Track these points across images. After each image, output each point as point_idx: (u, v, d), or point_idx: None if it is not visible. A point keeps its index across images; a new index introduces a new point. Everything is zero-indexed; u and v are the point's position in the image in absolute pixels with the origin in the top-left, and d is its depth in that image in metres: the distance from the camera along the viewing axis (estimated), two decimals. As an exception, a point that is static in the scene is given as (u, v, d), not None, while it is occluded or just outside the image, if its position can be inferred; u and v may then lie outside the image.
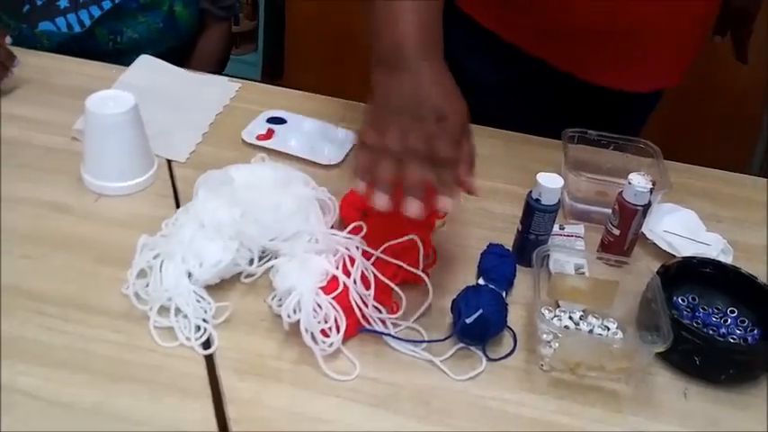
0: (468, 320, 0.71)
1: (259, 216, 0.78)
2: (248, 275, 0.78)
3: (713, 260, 0.83)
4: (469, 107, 0.75)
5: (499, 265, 0.80)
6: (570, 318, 0.78)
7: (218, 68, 1.44)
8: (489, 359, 0.73)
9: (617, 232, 0.86)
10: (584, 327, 0.77)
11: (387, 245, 0.77)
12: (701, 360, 0.73)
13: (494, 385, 0.71)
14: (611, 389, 0.73)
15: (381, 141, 0.68)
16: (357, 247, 0.76)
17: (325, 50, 2.40)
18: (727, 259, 0.90)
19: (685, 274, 0.82)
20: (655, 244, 0.90)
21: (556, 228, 0.90)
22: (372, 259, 0.75)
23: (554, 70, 1.06)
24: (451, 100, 0.72)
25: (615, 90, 1.07)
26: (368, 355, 0.72)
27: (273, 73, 2.59)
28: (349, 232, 0.78)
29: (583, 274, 0.83)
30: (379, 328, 0.74)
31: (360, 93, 1.20)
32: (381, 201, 0.68)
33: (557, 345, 0.73)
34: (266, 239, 0.78)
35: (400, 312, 0.75)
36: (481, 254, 0.83)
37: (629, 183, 0.83)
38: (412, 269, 0.77)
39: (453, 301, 0.75)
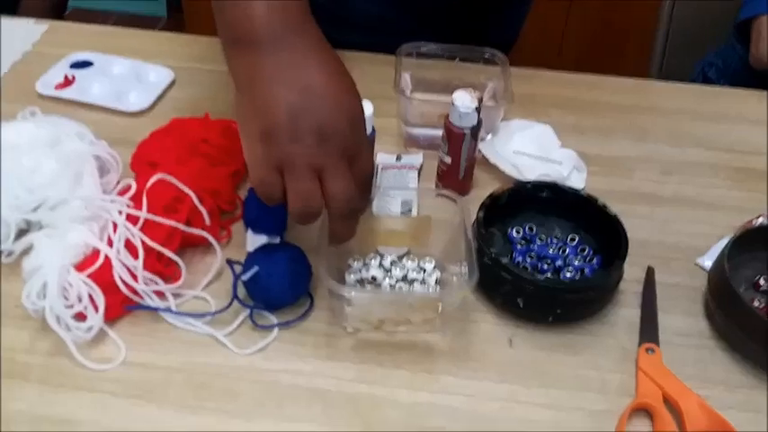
0: (244, 278, 0.62)
1: (11, 184, 0.67)
2: (9, 254, 0.67)
3: (550, 183, 0.73)
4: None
5: (266, 211, 0.70)
6: (381, 265, 0.68)
7: (55, 13, 1.28)
8: (280, 325, 0.64)
9: (449, 160, 0.75)
10: (396, 272, 0.67)
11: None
12: (524, 301, 0.64)
13: (287, 356, 0.62)
14: (427, 344, 0.64)
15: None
16: (120, 212, 0.64)
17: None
18: (580, 177, 0.80)
19: (522, 202, 0.72)
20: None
21: (392, 159, 0.79)
22: (140, 224, 0.64)
23: None
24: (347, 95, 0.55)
25: None
26: (139, 336, 0.62)
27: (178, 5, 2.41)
28: (118, 193, 0.67)
29: (409, 212, 0.72)
30: (155, 302, 0.64)
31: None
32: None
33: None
34: (24, 211, 0.67)
35: (179, 282, 0.65)
36: (244, 201, 0.72)
37: (453, 104, 0.72)
38: (188, 228, 0.66)
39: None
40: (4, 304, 0.64)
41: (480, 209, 0.68)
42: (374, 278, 0.66)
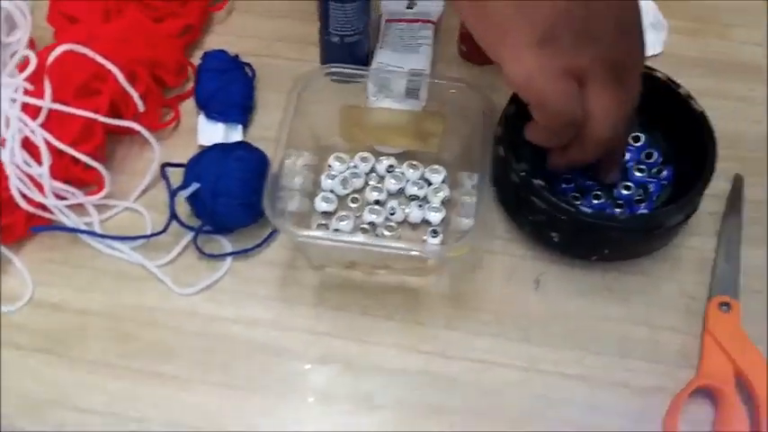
0: (182, 194, 0.46)
1: None
2: None
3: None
4: None
5: (222, 88, 0.52)
6: (373, 170, 0.51)
7: None
8: (235, 254, 0.49)
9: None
10: (389, 184, 0.50)
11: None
12: (560, 237, 0.47)
13: (241, 298, 0.47)
14: (421, 283, 0.48)
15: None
16: (14, 99, 0.47)
17: None
18: (657, 38, 0.59)
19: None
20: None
21: (401, 5, 0.59)
22: (42, 116, 0.48)
23: None
24: None
25: None
26: (53, 265, 0.48)
27: None
28: (18, 67, 0.50)
29: (416, 95, 0.53)
30: (71, 220, 0.49)
31: None
32: None
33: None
34: None
35: (104, 191, 0.49)
36: (198, 71, 0.54)
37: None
38: (112, 120, 0.49)
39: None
40: None
41: (511, 101, 0.49)
42: (354, 200, 0.49)
